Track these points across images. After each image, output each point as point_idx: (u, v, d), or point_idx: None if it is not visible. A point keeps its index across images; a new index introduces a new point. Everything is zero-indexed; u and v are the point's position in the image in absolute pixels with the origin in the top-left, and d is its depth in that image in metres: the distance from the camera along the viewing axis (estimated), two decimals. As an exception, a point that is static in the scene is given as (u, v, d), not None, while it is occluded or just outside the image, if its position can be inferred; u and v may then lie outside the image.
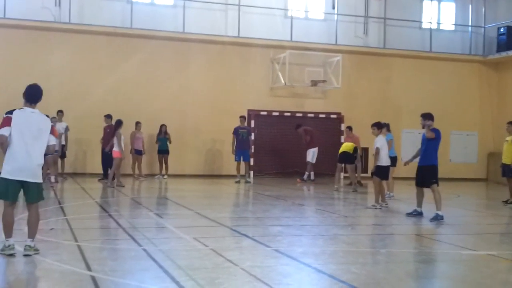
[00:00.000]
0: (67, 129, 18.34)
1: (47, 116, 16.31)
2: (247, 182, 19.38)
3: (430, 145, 11.59)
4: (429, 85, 23.86)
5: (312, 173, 20.38)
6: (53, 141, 7.56)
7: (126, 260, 7.20)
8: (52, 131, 7.50)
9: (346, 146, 17.35)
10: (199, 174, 21.26)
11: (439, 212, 11.34)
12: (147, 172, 20.28)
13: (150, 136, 20.33)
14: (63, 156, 18.43)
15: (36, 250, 7.10)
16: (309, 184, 19.62)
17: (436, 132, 11.62)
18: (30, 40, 19.88)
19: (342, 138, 20.49)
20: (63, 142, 18.21)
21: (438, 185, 11.59)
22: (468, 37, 25.17)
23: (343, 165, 17.79)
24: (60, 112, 18.25)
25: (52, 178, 16.40)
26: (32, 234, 7.19)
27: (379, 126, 13.40)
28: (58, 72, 19.86)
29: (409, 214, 11.80)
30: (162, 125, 19.92)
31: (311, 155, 20.17)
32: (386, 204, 13.28)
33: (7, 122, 6.95)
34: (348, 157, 17.17)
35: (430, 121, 11.69)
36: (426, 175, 11.60)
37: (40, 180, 7.17)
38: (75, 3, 20.36)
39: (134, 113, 19.73)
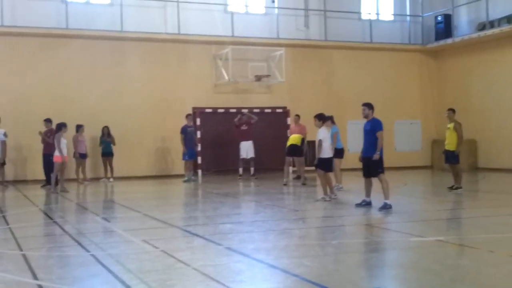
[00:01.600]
0: (5, 135, 17.74)
1: None
2: (193, 180, 19.26)
3: (373, 135, 11.69)
4: (371, 76, 24.21)
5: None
6: None
7: (74, 267, 6.99)
8: None
9: (294, 138, 17.31)
10: (146, 175, 20.96)
11: (387, 201, 11.49)
12: (91, 175, 19.86)
13: (93, 139, 19.90)
14: (2, 163, 17.84)
15: None
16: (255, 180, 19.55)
17: (378, 122, 11.76)
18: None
19: (288, 132, 20.50)
20: None
21: (384, 174, 11.73)
22: (407, 26, 25.66)
23: (291, 158, 17.82)
24: None
25: None
26: None
27: (321, 118, 13.33)
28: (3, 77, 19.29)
29: (358, 205, 11.91)
30: (104, 127, 19.52)
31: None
32: (335, 195, 13.38)
33: None
34: (296, 150, 17.18)
35: (371, 111, 11.86)
36: (372, 166, 11.71)
37: None
38: (7, 4, 19.71)
39: (74, 115, 19.24)
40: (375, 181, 11.91)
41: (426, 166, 24.95)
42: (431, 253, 7.57)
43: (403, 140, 24.82)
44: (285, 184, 17.00)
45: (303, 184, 17.05)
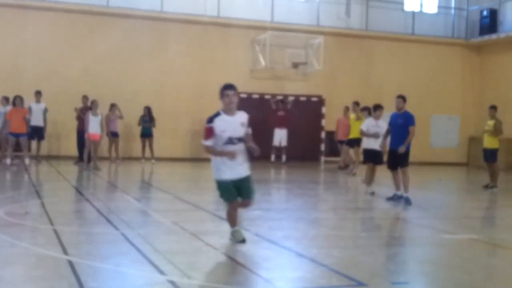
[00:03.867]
0: (45, 110, 17.96)
1: (20, 97, 15.96)
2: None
3: (405, 129, 11.44)
4: (411, 68, 23.82)
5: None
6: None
7: (103, 244, 7.03)
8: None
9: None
10: (181, 158, 21.06)
11: (407, 195, 11.26)
12: (123, 155, 20.02)
13: (127, 118, 19.97)
14: (41, 138, 18.08)
15: None
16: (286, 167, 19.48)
17: (412, 117, 11.51)
18: (3, 18, 19.42)
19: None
20: (42, 124, 17.84)
21: (407, 168, 11.52)
22: (451, 20, 25.12)
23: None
24: (38, 92, 17.86)
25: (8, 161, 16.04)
26: None
27: (374, 109, 13.02)
28: (32, 52, 19.46)
29: (390, 199, 11.71)
30: (147, 108, 19.53)
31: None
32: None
33: None
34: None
35: (405, 104, 11.65)
36: (399, 159, 11.47)
37: None
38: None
39: (110, 94, 19.37)
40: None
41: (461, 163, 24.51)
42: (463, 251, 7.42)
43: (439, 135, 24.40)
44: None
45: (353, 174, 16.64)
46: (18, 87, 17.83)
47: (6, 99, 16.94)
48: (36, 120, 17.31)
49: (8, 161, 15.94)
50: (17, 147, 16.45)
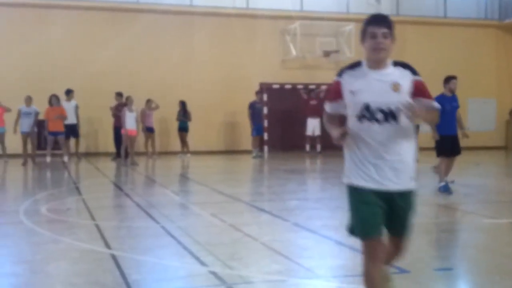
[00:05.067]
0: (76, 107, 18.23)
1: (56, 96, 16.32)
2: (259, 156, 19.34)
3: (455, 112, 10.75)
4: (444, 52, 23.47)
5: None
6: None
7: (144, 238, 7.14)
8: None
9: None
10: (215, 150, 21.19)
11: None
12: (159, 150, 20.22)
13: (162, 113, 20.15)
14: (76, 135, 18.38)
15: None
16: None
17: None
18: (30, 18, 19.75)
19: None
20: (75, 121, 18.12)
21: None
22: (483, 1, 24.66)
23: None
24: (68, 91, 18.12)
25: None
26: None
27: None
28: (62, 50, 19.81)
29: (443, 188, 10.66)
30: (182, 102, 19.68)
31: None
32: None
33: None
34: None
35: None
36: (457, 144, 10.83)
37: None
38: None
39: (144, 90, 19.58)
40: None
41: (499, 147, 24.12)
42: (504, 235, 7.34)
43: (476, 119, 24.03)
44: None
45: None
46: (52, 87, 18.11)
47: (30, 98, 17.16)
48: (69, 118, 17.61)
49: (48, 159, 16.25)
50: (56, 146, 16.78)
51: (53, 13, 20.02)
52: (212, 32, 21.40)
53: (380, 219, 3.87)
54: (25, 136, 16.65)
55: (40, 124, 17.12)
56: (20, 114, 16.59)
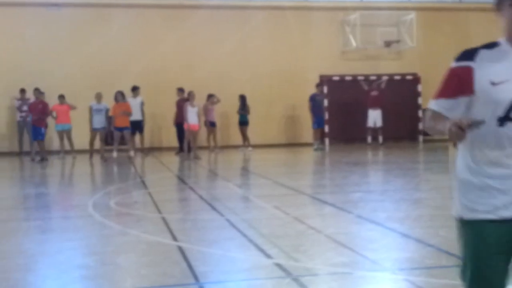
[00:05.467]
0: (142, 103, 18.60)
1: (121, 92, 16.70)
2: (321, 149, 19.27)
3: None
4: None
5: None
6: None
7: (210, 230, 7.25)
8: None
9: None
10: (275, 144, 21.25)
11: None
12: (221, 143, 20.42)
13: (223, 107, 20.33)
14: (141, 131, 18.76)
15: None
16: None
17: None
18: (94, 18, 20.30)
19: (420, 100, 19.81)
20: (140, 118, 18.49)
21: None
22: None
23: None
24: (134, 88, 18.52)
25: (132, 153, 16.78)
26: None
27: None
28: (126, 49, 20.23)
29: None
30: (241, 96, 19.82)
31: None
32: None
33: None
34: None
35: None
36: None
37: None
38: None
39: (204, 85, 19.78)
40: None
41: None
42: None
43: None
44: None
45: None
46: (120, 84, 18.55)
47: (100, 95, 17.56)
48: (135, 114, 17.98)
49: (115, 154, 16.71)
50: (121, 141, 17.23)
51: (114, 12, 20.48)
52: (269, 26, 21.42)
53: (502, 265, 2.62)
54: (96, 133, 17.11)
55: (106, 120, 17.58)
56: (91, 111, 17.06)
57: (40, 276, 5.43)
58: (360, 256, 5.83)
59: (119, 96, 16.93)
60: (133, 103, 18.06)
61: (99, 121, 16.94)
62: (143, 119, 18.61)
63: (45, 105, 16.78)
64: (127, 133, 17.02)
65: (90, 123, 17.03)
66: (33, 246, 6.54)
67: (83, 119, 18.02)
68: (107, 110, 17.12)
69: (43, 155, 16.69)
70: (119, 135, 16.99)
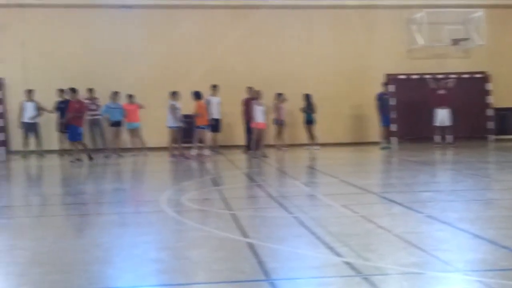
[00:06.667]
0: (219, 103, 18.80)
1: (197, 92, 16.84)
2: (387, 148, 19.09)
3: None
4: None
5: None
6: None
7: (279, 227, 7.34)
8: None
9: None
10: (342, 142, 21.19)
11: None
12: (287, 142, 20.48)
13: (290, 106, 20.38)
14: (218, 130, 19.00)
15: None
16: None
17: None
18: (163, 18, 20.81)
19: (490, 99, 19.31)
20: (219, 116, 18.70)
21: None
22: None
23: None
24: (214, 86, 18.76)
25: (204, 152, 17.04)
26: None
27: None
28: (195, 49, 20.67)
29: None
30: (307, 95, 19.81)
31: None
32: None
33: None
34: None
35: None
36: None
37: None
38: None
39: (272, 83, 19.93)
40: None
41: None
42: None
43: None
44: None
45: None
46: (186, 83, 18.90)
47: (176, 93, 17.83)
48: (214, 113, 18.27)
49: (194, 152, 17.05)
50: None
51: (182, 13, 20.92)
52: (334, 25, 21.46)
53: None
54: (174, 130, 17.38)
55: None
56: (173, 109, 17.39)
57: (117, 269, 5.64)
58: (431, 256, 5.78)
59: (198, 95, 17.18)
60: (213, 101, 18.39)
61: (178, 119, 17.24)
62: (221, 117, 18.82)
63: (81, 104, 16.53)
64: (203, 131, 17.32)
65: (172, 121, 17.26)
66: (109, 240, 6.81)
67: (152, 117, 18.54)
68: (180, 109, 17.38)
69: (86, 155, 16.45)
70: (199, 133, 17.26)
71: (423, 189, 10.44)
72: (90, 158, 16.20)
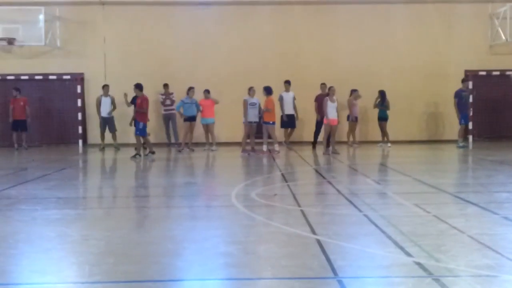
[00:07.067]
0: (293, 98, 18.77)
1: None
2: (463, 146, 18.53)
3: None
4: None
5: None
6: None
7: (348, 225, 7.28)
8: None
9: None
10: (416, 140, 20.78)
11: None
12: (359, 139, 20.24)
13: (363, 102, 20.12)
14: (293, 126, 18.91)
15: None
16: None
17: None
18: (238, 15, 20.96)
19: None
20: (293, 112, 18.64)
21: None
22: None
23: None
24: (286, 81, 18.78)
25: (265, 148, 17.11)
26: None
27: None
28: (269, 45, 20.78)
29: None
30: (381, 92, 19.46)
31: None
32: None
33: None
34: None
35: None
36: None
37: None
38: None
39: (347, 80, 19.76)
40: None
41: None
42: None
43: None
44: None
45: None
46: (261, 79, 18.96)
47: (253, 89, 17.87)
48: (288, 108, 18.28)
49: (265, 148, 17.13)
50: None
51: (257, 9, 21.04)
52: (411, 20, 21.05)
53: None
54: (250, 126, 17.51)
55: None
56: (246, 105, 17.57)
57: (187, 262, 5.74)
58: (506, 259, 5.60)
59: (268, 91, 17.20)
60: (286, 96, 18.41)
61: (253, 115, 17.34)
62: (296, 113, 18.75)
63: (143, 100, 16.35)
64: (271, 127, 17.30)
65: (245, 117, 17.39)
66: (181, 233, 6.94)
67: (225, 112, 18.76)
68: (259, 104, 17.46)
69: (149, 150, 16.47)
70: (266, 129, 17.29)
71: (500, 190, 10.08)
72: (152, 153, 16.33)
